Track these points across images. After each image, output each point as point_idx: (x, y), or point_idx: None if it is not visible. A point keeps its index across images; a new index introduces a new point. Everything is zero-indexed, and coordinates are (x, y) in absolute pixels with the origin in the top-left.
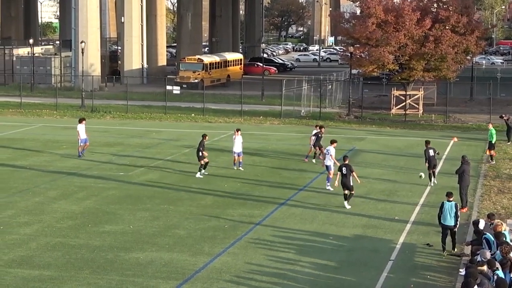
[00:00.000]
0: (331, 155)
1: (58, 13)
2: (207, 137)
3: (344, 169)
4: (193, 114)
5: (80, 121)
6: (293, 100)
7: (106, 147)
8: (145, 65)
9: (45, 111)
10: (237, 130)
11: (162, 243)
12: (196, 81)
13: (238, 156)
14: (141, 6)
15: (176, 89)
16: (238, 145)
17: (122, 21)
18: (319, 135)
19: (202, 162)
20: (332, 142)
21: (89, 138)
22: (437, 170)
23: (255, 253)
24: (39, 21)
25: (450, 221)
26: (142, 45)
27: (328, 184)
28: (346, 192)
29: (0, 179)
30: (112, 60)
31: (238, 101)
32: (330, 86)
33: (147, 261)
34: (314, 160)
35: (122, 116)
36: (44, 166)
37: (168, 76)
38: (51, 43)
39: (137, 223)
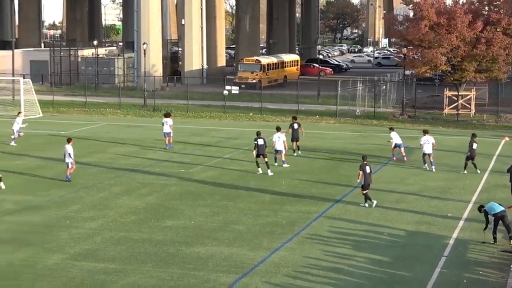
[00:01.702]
0: (433, 143)
1: (121, 16)
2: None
3: (368, 168)
4: (251, 114)
5: (167, 116)
6: (348, 100)
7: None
8: (205, 66)
9: (109, 110)
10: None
11: (222, 238)
12: (254, 81)
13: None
14: (201, 9)
15: (235, 89)
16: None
17: (183, 23)
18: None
19: (266, 160)
20: (425, 132)
21: (151, 137)
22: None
23: (312, 248)
24: (103, 23)
25: (499, 207)
26: (202, 47)
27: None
28: (366, 192)
29: (62, 176)
30: (173, 61)
31: (295, 100)
32: (384, 87)
33: (208, 255)
34: (297, 153)
35: (183, 115)
36: (108, 163)
37: (227, 77)
38: (114, 45)
39: (198, 218)
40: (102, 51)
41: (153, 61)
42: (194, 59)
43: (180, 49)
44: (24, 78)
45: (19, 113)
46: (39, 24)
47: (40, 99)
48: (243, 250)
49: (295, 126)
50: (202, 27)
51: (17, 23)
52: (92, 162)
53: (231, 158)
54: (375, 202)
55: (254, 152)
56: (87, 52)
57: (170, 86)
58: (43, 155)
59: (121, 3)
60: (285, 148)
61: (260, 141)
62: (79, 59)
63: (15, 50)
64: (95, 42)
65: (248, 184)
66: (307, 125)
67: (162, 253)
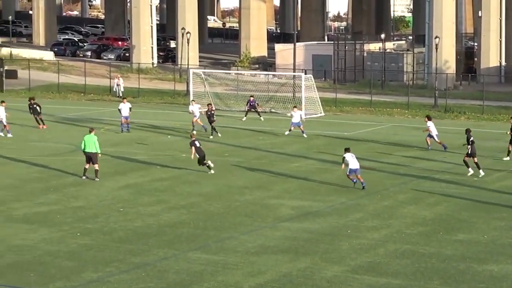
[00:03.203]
0: None
1: (411, 7)
2: None
3: None
4: None
5: (429, 118)
6: None
7: (460, 149)
8: (503, 63)
9: (395, 110)
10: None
11: None
12: None
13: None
14: None
15: None
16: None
17: (480, 15)
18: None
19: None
20: None
21: (444, 140)
22: None
23: None
24: (392, 15)
25: None
26: (500, 41)
27: None
28: None
29: (349, 180)
30: (467, 57)
31: None
32: None
33: (502, 274)
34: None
35: (477, 117)
36: (393, 168)
37: None
38: (403, 39)
39: (492, 232)
40: (389, 45)
41: (446, 56)
42: (491, 55)
43: (475, 43)
44: (305, 73)
45: (294, 107)
46: (322, 16)
47: (322, 96)
48: None
49: None
50: (500, 20)
51: (299, 14)
52: (377, 166)
53: None
54: None
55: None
56: (374, 46)
57: (463, 84)
58: (324, 158)
59: None
60: None
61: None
62: (365, 54)
63: (297, 44)
64: (382, 36)
65: None
66: None
67: (451, 269)
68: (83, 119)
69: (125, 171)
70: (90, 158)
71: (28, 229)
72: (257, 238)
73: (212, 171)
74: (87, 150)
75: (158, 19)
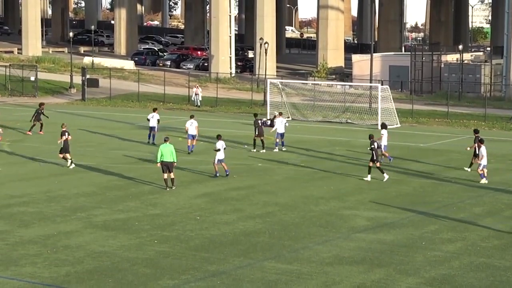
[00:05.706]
0: None
1: (489, 18)
2: None
3: None
4: None
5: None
6: None
7: None
8: None
9: (472, 121)
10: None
11: None
12: None
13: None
14: None
15: None
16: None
17: None
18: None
19: None
20: None
21: None
22: None
23: None
24: (470, 26)
25: None
26: None
27: None
28: None
29: (424, 192)
30: None
31: None
32: None
33: None
34: None
35: None
36: (469, 181)
37: None
38: (481, 50)
39: None
40: (467, 56)
41: None
42: None
43: None
44: (382, 84)
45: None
46: (400, 26)
47: (398, 107)
48: None
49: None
50: None
51: (377, 25)
52: (452, 178)
53: None
54: None
55: None
56: (451, 57)
57: None
58: (400, 169)
59: (490, 4)
60: None
61: None
62: (442, 65)
63: (374, 54)
64: (460, 47)
65: None
66: None
67: None
68: (162, 128)
69: (202, 180)
70: (167, 167)
71: (108, 236)
72: (332, 248)
73: (72, 166)
74: (165, 159)
75: (237, 29)
